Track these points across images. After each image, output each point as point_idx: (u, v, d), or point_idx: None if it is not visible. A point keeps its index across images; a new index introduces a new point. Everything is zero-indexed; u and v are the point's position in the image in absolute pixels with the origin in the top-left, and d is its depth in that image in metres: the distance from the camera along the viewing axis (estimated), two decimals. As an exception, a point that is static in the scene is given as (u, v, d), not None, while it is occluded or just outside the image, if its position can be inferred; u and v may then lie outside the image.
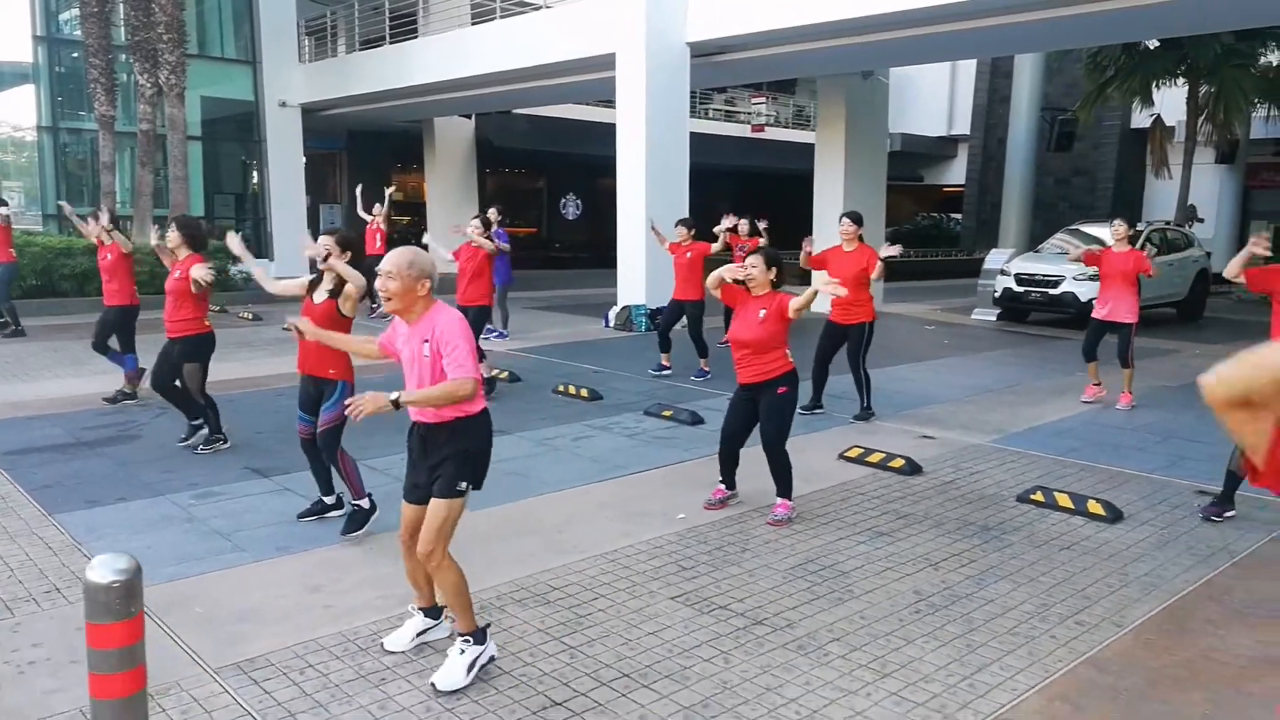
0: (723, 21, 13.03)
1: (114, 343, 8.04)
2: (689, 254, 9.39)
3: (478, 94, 17.84)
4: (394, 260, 3.40)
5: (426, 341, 3.38)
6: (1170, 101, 20.31)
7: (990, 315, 15.27)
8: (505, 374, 9.31)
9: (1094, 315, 8.55)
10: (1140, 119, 22.51)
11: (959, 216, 30.70)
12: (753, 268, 5.19)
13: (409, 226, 23.68)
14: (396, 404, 3.27)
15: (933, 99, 31.14)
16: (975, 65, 28.59)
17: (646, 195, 13.06)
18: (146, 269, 10.55)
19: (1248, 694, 3.47)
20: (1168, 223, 17.14)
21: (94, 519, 5.14)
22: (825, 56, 13.60)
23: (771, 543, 4.94)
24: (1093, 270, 9.33)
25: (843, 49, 12.90)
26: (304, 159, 20.64)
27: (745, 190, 25.83)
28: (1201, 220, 22.08)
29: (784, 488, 5.30)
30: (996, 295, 14.86)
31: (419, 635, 3.70)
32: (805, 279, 7.30)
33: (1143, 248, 13.76)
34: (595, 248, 24.20)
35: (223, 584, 4.32)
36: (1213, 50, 17.80)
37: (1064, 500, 5.56)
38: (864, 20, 11.68)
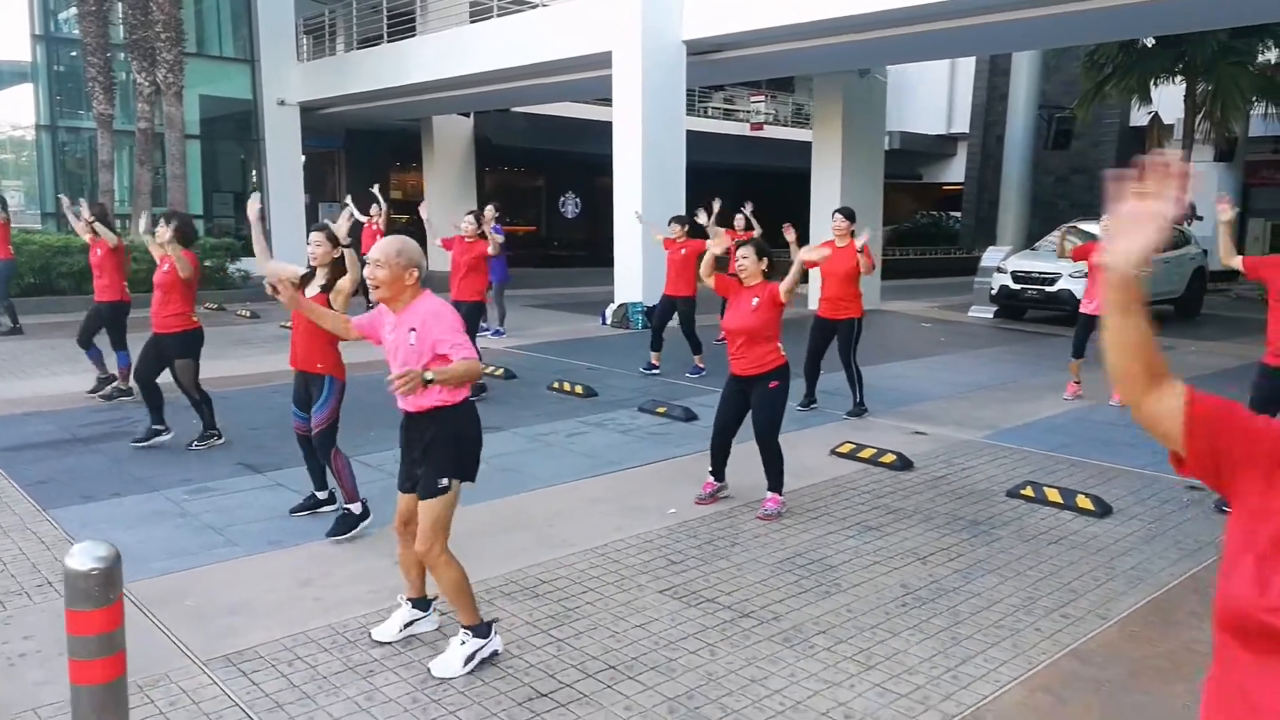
0: (718, 19, 13.06)
1: (104, 340, 8.04)
2: (683, 250, 9.41)
3: (476, 92, 17.87)
4: (383, 249, 3.44)
5: (413, 330, 3.41)
6: (1168, 99, 20.31)
7: (987, 313, 15.30)
8: (500, 371, 9.34)
9: (1082, 310, 8.59)
10: (1139, 117, 22.50)
11: (958, 214, 30.71)
12: (744, 258, 5.26)
13: (408, 225, 23.70)
14: (427, 382, 3.23)
15: (932, 97, 31.15)
16: (974, 63, 28.60)
17: (643, 193, 13.08)
18: (146, 265, 10.59)
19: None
20: (1164, 220, 17.13)
21: (88, 514, 5.17)
22: (821, 54, 13.61)
23: (761, 537, 4.96)
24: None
25: (838, 47, 12.91)
26: (302, 158, 20.69)
27: (744, 188, 25.71)
28: (1200, 218, 22.06)
29: (775, 481, 5.33)
30: (993, 293, 14.88)
31: (407, 626, 3.73)
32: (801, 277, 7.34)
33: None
34: (594, 246, 24.21)
35: (214, 578, 4.34)
36: (1210, 48, 17.80)
37: (1053, 495, 5.58)
38: (859, 18, 11.70)
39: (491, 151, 24.66)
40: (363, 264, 4.49)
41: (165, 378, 6.56)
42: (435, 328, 3.37)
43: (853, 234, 7.71)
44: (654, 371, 9.63)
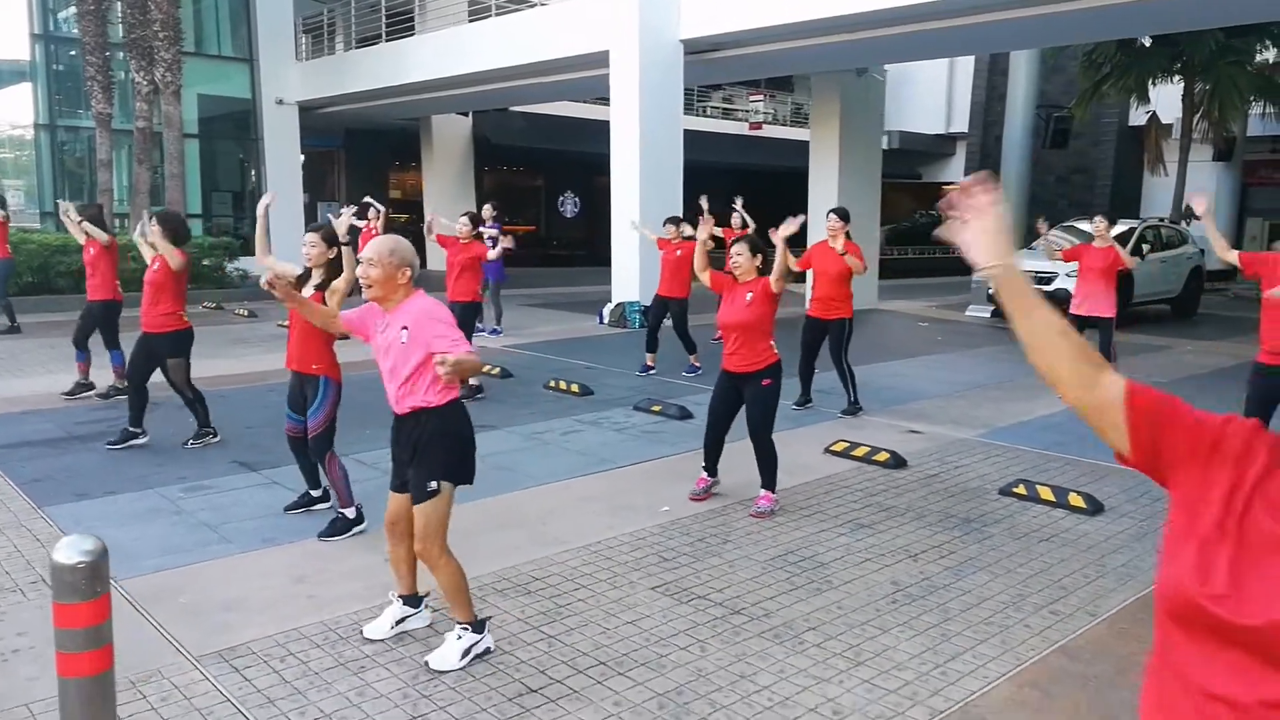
0: (716, 19, 13.07)
1: (96, 341, 8.03)
2: (678, 251, 9.43)
3: (474, 91, 17.88)
4: (375, 248, 3.46)
5: (405, 328, 3.42)
6: (1167, 99, 20.31)
7: (984, 312, 15.31)
8: (497, 370, 9.36)
9: (1071, 310, 8.61)
10: (1138, 116, 22.49)
11: (958, 214, 30.66)
12: (738, 255, 5.32)
13: (407, 225, 23.70)
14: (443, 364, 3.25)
15: (931, 96, 31.12)
16: (973, 62, 28.58)
17: (641, 193, 13.10)
18: (140, 264, 10.57)
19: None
20: (1161, 220, 17.17)
21: (82, 511, 5.18)
22: (818, 53, 13.62)
23: (753, 534, 4.98)
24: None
25: (836, 46, 12.92)
26: (301, 157, 20.68)
27: (743, 188, 25.69)
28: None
29: (768, 479, 5.36)
30: (990, 292, 14.87)
31: (398, 623, 3.74)
32: (797, 279, 7.37)
33: (1136, 245, 13.82)
34: (593, 245, 24.21)
35: (208, 575, 4.36)
36: (1208, 47, 17.79)
37: (1046, 493, 5.60)
38: (856, 17, 11.70)
39: (490, 151, 24.66)
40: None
41: (156, 378, 6.58)
42: (430, 326, 3.39)
43: (848, 235, 7.73)
44: (650, 373, 9.64)
